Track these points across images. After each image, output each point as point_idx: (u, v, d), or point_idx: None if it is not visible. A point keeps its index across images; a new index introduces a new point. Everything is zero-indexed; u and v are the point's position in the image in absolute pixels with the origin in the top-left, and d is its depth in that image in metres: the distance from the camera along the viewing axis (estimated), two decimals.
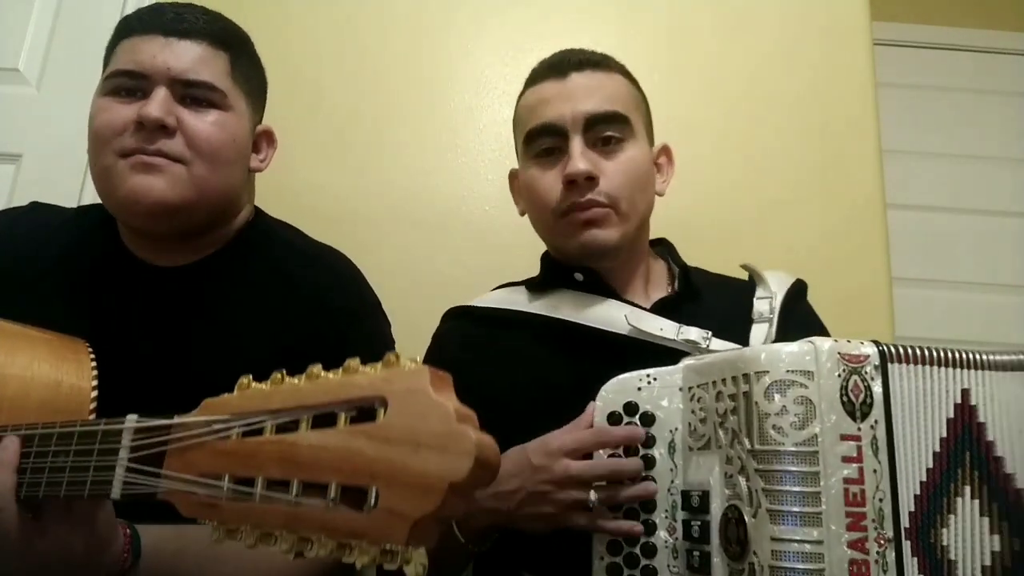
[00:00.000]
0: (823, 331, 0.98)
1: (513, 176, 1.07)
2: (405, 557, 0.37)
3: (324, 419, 0.41)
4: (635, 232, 0.96)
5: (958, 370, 0.69)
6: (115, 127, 0.83)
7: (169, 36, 0.84)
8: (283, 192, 1.01)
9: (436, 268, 1.33)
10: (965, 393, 0.68)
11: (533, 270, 1.06)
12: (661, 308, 0.94)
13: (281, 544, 0.40)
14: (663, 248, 1.07)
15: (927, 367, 0.68)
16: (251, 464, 0.42)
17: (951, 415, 0.68)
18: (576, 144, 0.92)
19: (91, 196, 1.37)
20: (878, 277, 1.36)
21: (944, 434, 0.67)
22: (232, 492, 0.42)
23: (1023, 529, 0.65)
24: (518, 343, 0.95)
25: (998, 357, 0.70)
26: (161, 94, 0.82)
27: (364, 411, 0.40)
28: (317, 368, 0.43)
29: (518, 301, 0.99)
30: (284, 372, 0.44)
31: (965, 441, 0.67)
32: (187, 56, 0.84)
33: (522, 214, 1.04)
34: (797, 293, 1.00)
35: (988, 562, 0.65)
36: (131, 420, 0.49)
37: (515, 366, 0.93)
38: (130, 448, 0.48)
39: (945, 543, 0.64)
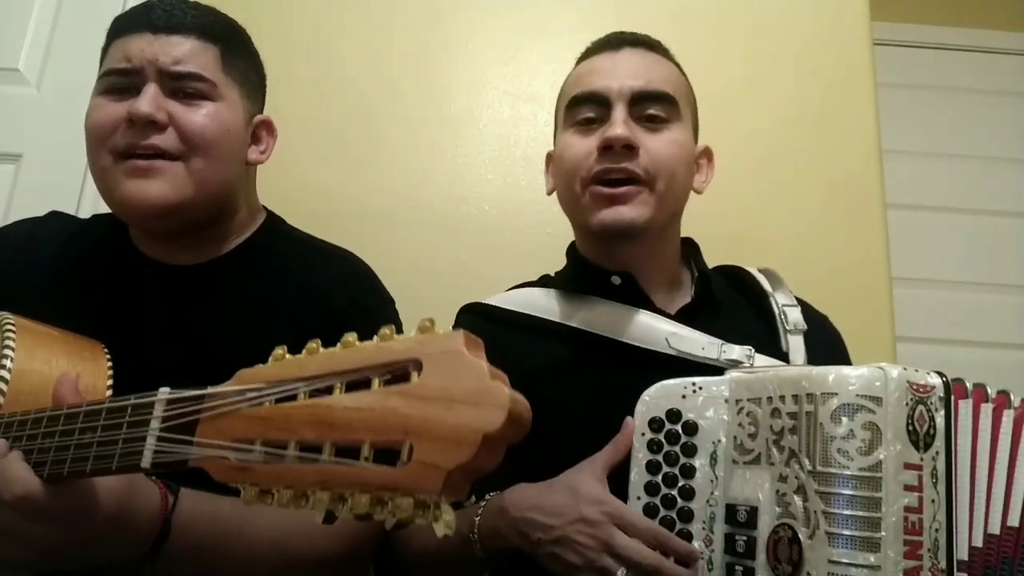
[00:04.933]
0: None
1: (549, 157, 1.02)
2: (436, 512, 0.37)
3: (358, 384, 0.41)
4: (665, 220, 0.92)
5: (1010, 411, 0.69)
6: (107, 125, 0.84)
7: (158, 32, 0.85)
8: (281, 191, 1.00)
9: (435, 268, 1.33)
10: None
11: (533, 270, 1.06)
12: (684, 316, 0.91)
13: (315, 502, 0.40)
14: (688, 248, 1.02)
15: (987, 405, 0.69)
16: (284, 428, 0.42)
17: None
18: (619, 112, 0.88)
19: (91, 196, 1.38)
20: (878, 277, 1.36)
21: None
22: (265, 455, 0.42)
23: None
24: (539, 351, 0.91)
25: None
26: (151, 90, 0.83)
27: (398, 375, 0.40)
28: (352, 336, 0.43)
29: (547, 307, 0.94)
30: (319, 341, 0.44)
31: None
32: (175, 50, 0.85)
33: (550, 192, 1.00)
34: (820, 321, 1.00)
35: None
36: (163, 392, 0.49)
37: (538, 376, 0.86)
38: (162, 419, 0.48)
39: None
